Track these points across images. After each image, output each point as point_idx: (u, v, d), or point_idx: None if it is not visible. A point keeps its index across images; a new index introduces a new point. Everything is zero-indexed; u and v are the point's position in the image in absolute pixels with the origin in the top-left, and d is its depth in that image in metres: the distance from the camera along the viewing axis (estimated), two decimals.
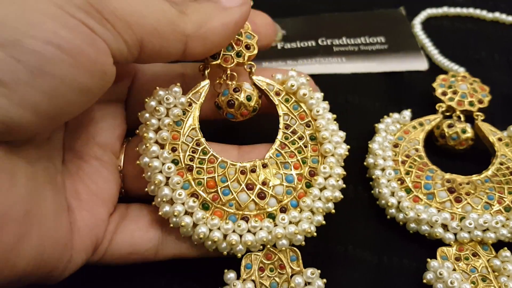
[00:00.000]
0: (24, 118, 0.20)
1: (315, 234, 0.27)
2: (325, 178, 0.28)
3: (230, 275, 0.27)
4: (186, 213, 0.26)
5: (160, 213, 0.26)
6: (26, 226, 0.21)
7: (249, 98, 0.28)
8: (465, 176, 0.32)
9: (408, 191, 0.31)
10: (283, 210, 0.27)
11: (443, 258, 0.29)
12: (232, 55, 0.28)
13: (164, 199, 0.26)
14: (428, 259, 0.29)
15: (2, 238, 0.19)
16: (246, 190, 0.27)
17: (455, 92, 0.35)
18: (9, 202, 0.20)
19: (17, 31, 0.19)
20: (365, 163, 0.33)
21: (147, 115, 0.27)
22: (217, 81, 0.29)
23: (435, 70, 0.40)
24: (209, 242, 0.26)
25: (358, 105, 0.38)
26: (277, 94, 0.29)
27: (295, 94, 0.29)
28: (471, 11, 0.44)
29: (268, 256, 0.27)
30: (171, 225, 0.26)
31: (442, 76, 0.37)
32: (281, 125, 0.29)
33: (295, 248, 0.27)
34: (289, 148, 0.28)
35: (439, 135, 0.34)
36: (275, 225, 0.27)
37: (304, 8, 0.45)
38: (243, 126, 0.31)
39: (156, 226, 0.27)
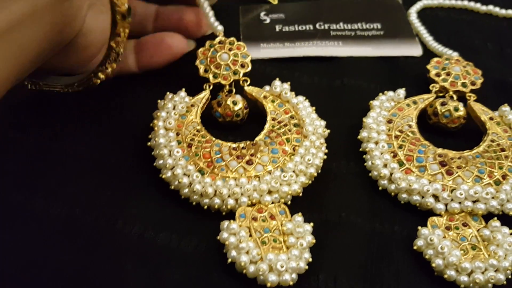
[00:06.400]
0: None
1: (300, 192, 0.30)
2: (306, 149, 0.32)
3: (226, 224, 0.28)
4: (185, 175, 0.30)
5: (163, 176, 0.30)
6: None
7: (246, 107, 0.35)
8: (457, 152, 0.33)
9: (401, 163, 0.32)
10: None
11: (434, 227, 0.29)
12: (230, 74, 0.34)
13: (167, 166, 0.30)
14: (419, 227, 0.29)
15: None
16: (236, 159, 0.31)
17: (448, 74, 0.36)
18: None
19: None
20: (359, 137, 0.34)
21: (158, 111, 0.33)
22: (220, 94, 0.35)
23: (429, 56, 0.40)
24: (205, 200, 0.29)
25: (353, 86, 0.39)
26: (265, 97, 0.35)
27: (279, 96, 0.35)
28: (465, 3, 0.46)
29: (260, 210, 0.30)
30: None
31: (436, 59, 0.37)
32: (268, 118, 0.34)
33: (284, 205, 0.30)
34: (275, 132, 0.33)
35: (432, 113, 0.35)
36: (260, 183, 0.30)
37: None
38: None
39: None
